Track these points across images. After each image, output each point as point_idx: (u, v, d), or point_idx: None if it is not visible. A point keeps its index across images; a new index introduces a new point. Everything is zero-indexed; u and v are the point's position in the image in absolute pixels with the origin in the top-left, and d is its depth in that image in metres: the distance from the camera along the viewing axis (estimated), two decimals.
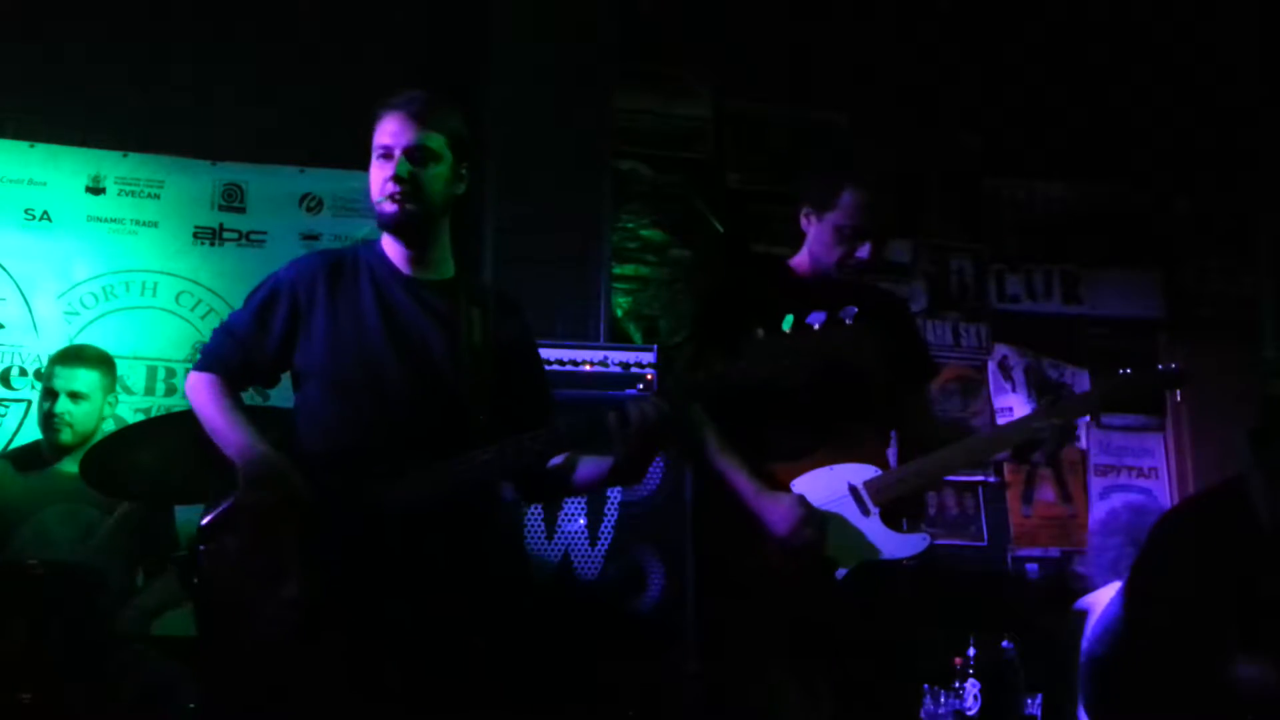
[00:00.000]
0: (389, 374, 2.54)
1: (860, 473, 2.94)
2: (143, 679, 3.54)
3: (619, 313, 5.12)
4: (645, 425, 2.38)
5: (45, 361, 4.39)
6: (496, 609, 2.60)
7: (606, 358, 4.14)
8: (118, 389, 4.28)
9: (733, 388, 2.45)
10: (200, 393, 2.59)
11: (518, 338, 2.72)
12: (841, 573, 2.86)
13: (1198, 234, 5.84)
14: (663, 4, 5.33)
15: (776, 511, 2.86)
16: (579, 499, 3.78)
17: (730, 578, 3.00)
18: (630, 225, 5.24)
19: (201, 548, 2.49)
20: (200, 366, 2.63)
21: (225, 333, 2.64)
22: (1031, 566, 5.37)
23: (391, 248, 2.66)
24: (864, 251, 3.00)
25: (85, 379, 3.97)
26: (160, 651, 3.70)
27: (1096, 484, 5.53)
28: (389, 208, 2.56)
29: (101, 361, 4.06)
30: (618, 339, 4.98)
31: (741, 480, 2.92)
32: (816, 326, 2.38)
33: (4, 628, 3.28)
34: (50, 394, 3.96)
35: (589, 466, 2.59)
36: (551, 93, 4.78)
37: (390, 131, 2.57)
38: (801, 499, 2.88)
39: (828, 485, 2.93)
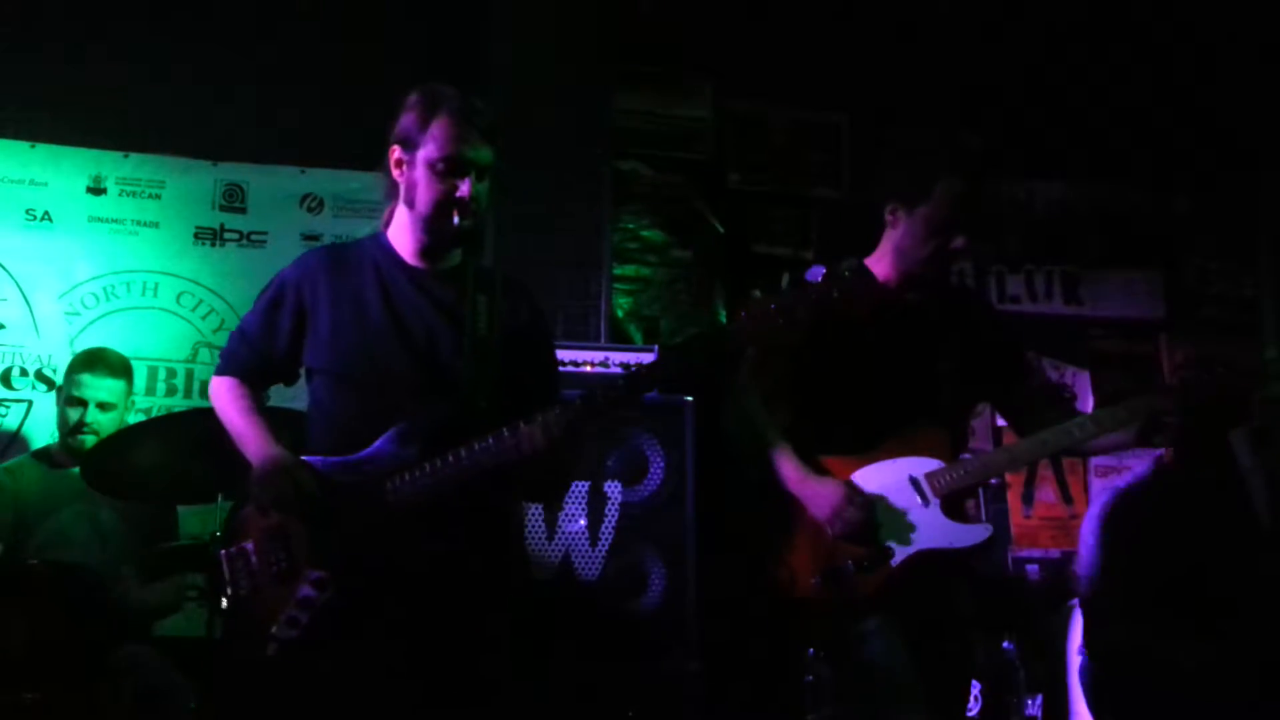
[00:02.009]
0: (393, 365, 2.52)
1: (922, 466, 2.89)
2: (143, 680, 3.54)
3: (619, 313, 5.12)
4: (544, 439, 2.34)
5: (48, 361, 4.40)
6: (500, 607, 2.57)
7: (607, 358, 4.14)
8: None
9: (718, 353, 2.42)
10: (219, 398, 2.64)
11: (527, 321, 2.67)
12: (897, 559, 2.82)
13: (1198, 234, 5.84)
14: (663, 4, 5.33)
15: (820, 495, 2.83)
16: (580, 499, 3.79)
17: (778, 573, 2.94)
18: (630, 225, 5.24)
19: (221, 552, 2.52)
20: (219, 371, 2.67)
21: (239, 336, 2.67)
22: (1032, 567, 5.37)
23: (400, 240, 2.63)
24: (959, 243, 2.87)
25: (113, 388, 3.96)
26: (161, 652, 3.70)
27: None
28: (454, 223, 2.53)
29: (125, 370, 4.04)
30: (618, 339, 4.98)
31: (788, 467, 2.88)
32: (811, 281, 2.34)
33: (6, 627, 3.28)
34: (76, 402, 3.92)
35: None
36: (551, 93, 4.79)
37: (465, 142, 2.50)
38: (847, 482, 2.85)
39: (888, 476, 2.89)
